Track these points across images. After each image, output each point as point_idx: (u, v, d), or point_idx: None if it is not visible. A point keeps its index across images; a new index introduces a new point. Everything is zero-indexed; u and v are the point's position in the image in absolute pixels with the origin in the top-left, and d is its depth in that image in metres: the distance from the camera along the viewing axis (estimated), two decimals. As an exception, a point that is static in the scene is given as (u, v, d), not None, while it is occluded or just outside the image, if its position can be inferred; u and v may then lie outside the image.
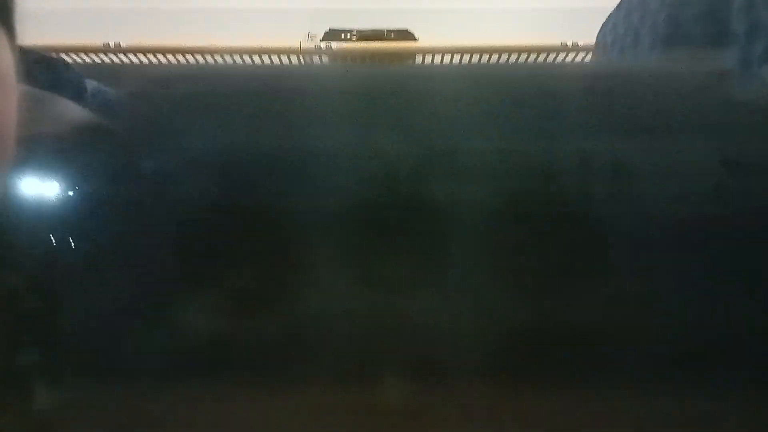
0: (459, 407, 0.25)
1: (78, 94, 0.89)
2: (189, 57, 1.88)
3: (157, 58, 1.90)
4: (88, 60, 1.88)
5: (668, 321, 0.24)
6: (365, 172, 0.24)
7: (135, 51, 1.91)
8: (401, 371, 0.25)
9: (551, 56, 1.94)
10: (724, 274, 0.23)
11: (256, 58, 1.88)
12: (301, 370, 0.25)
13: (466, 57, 1.91)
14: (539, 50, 1.95)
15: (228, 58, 1.84)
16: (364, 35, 2.05)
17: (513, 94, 0.26)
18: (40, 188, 0.29)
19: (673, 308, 0.24)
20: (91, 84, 0.96)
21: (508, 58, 1.88)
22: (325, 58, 1.95)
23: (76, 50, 1.87)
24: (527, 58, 1.92)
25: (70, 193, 0.28)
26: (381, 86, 0.27)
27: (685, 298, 0.24)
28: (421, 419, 0.25)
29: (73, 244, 0.27)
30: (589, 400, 0.25)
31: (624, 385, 0.24)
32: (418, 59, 1.99)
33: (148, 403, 0.25)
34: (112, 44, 1.89)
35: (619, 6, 0.70)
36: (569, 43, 1.91)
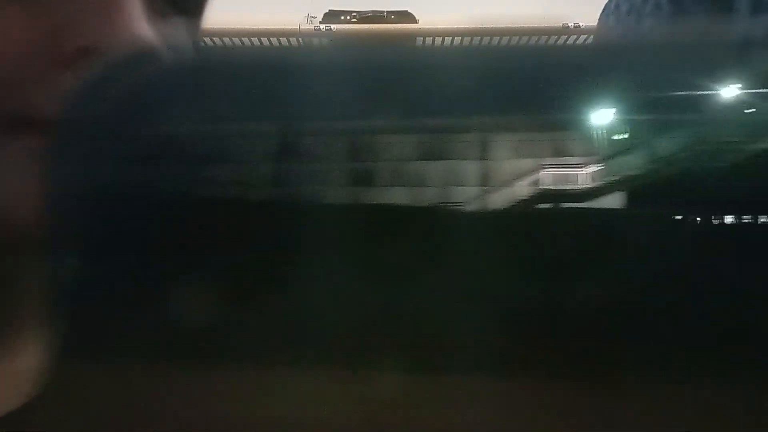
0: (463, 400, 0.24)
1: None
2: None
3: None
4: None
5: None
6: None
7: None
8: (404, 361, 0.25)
9: (553, 38, 1.93)
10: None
11: (255, 40, 1.86)
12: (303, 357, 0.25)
13: (467, 39, 1.90)
14: (541, 32, 1.93)
15: (226, 40, 1.82)
16: (364, 16, 2.03)
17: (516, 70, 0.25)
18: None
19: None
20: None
21: (509, 41, 1.87)
22: (324, 40, 1.94)
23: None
24: (528, 40, 1.91)
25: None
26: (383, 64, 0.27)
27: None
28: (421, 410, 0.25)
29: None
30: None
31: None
32: (419, 41, 1.98)
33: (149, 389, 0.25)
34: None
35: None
36: (571, 25, 1.89)
